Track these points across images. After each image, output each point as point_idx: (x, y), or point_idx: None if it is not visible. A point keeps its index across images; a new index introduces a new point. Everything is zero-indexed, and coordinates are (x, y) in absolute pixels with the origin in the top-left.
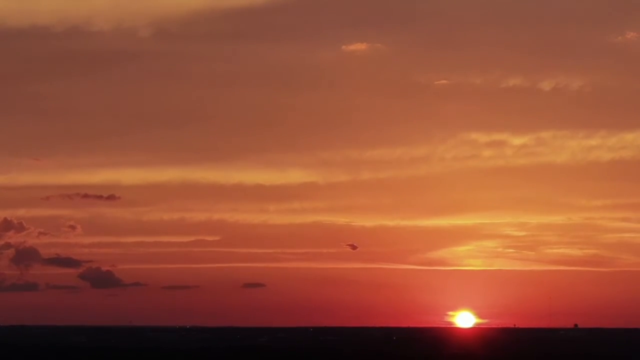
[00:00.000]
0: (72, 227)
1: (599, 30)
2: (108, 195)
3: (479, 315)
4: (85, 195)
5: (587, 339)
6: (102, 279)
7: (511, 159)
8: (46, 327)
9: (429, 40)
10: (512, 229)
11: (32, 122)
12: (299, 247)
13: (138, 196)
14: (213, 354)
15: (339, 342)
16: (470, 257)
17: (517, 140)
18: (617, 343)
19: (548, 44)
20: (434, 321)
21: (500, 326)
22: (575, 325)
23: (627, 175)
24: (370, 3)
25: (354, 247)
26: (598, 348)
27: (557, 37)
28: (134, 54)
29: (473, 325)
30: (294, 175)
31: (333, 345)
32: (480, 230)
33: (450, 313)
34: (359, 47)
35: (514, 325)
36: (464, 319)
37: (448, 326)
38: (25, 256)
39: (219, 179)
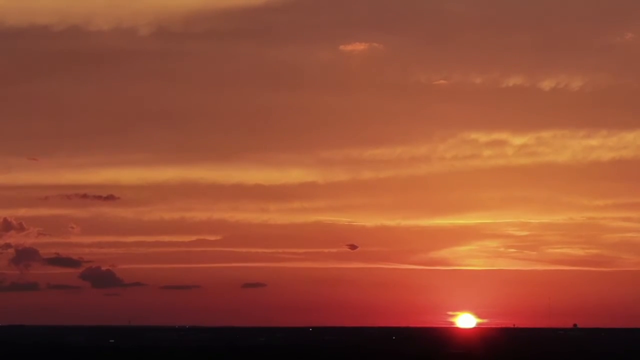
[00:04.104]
0: (72, 227)
1: (599, 30)
2: (107, 195)
3: (479, 315)
4: (84, 196)
5: (586, 339)
6: (102, 279)
7: (512, 158)
8: (46, 327)
9: (428, 40)
10: (513, 229)
11: (31, 122)
12: (299, 247)
13: (137, 196)
14: (211, 354)
15: (338, 341)
16: (472, 257)
17: (518, 140)
18: (616, 343)
19: (548, 44)
20: (435, 321)
21: (500, 326)
22: (575, 325)
23: (628, 175)
24: (369, 3)
25: (353, 247)
26: (596, 347)
27: (557, 36)
28: (134, 54)
29: (474, 326)
30: (294, 175)
31: (332, 345)
32: (481, 230)
33: (452, 313)
34: (357, 46)
35: (514, 325)
36: (465, 320)
37: (449, 326)
38: (25, 256)
39: (219, 179)
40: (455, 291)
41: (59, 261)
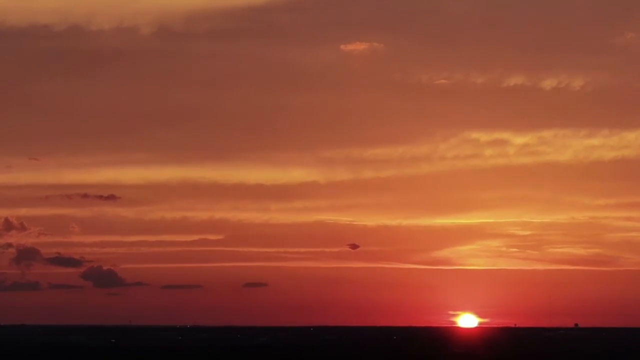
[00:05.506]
0: (73, 227)
1: (600, 30)
2: (108, 195)
3: (481, 314)
4: (85, 195)
5: (588, 339)
6: (104, 279)
7: (513, 158)
8: (48, 327)
9: (429, 39)
10: (515, 228)
11: (32, 121)
12: (300, 247)
13: (138, 195)
14: (213, 354)
15: (339, 341)
16: (474, 257)
17: (519, 140)
18: (617, 342)
19: (549, 43)
20: (437, 321)
21: (501, 325)
22: (576, 324)
23: (629, 174)
24: (370, 3)
25: (354, 247)
26: (597, 347)
27: (558, 36)
28: (135, 53)
29: (475, 325)
30: (295, 175)
31: (332, 344)
32: (483, 230)
33: (453, 313)
34: (358, 46)
35: (515, 324)
36: (466, 319)
37: (450, 326)
38: (26, 256)
39: (220, 179)
40: (457, 291)
41: (60, 261)
